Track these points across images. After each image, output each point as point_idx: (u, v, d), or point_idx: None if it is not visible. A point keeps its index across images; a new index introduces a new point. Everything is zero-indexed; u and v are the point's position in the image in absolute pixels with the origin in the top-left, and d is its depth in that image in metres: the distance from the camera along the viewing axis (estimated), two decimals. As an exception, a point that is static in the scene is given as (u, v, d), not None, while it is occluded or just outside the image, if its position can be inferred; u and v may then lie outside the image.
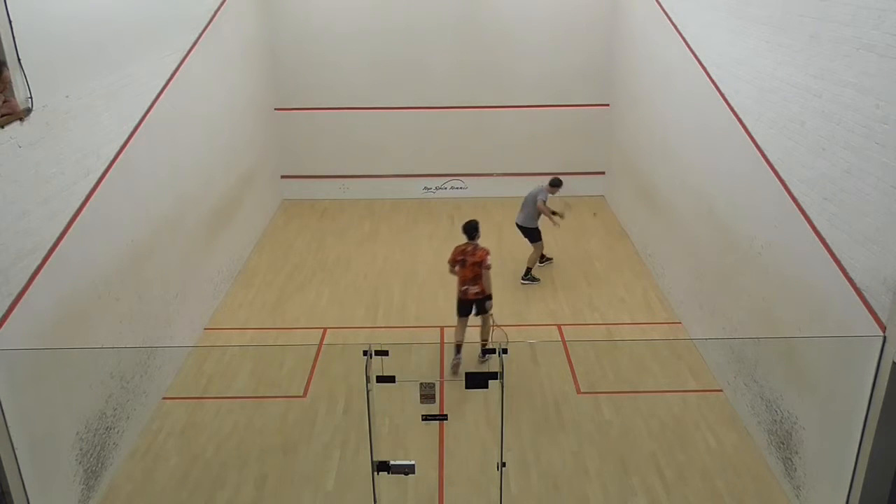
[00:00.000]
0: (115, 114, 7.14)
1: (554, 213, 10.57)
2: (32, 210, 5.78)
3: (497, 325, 8.45)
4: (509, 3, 12.99)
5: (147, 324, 7.79)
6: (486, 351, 8.10)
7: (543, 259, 11.06)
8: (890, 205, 5.22)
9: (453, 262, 8.39)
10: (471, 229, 8.38)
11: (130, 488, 6.80)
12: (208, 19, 9.86)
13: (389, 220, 13.06)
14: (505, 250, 11.53)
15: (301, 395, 8.14)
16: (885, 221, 5.28)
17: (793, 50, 6.57)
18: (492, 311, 8.42)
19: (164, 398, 8.04)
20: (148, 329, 7.82)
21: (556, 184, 10.69)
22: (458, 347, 8.46)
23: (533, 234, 10.75)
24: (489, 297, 8.32)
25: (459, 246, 8.40)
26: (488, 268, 8.24)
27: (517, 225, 10.84)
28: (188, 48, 9.10)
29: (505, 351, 5.59)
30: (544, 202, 10.49)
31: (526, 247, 10.89)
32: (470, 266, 8.24)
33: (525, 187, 10.96)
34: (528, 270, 10.71)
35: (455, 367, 8.42)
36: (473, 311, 8.43)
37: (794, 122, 6.54)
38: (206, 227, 9.72)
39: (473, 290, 8.28)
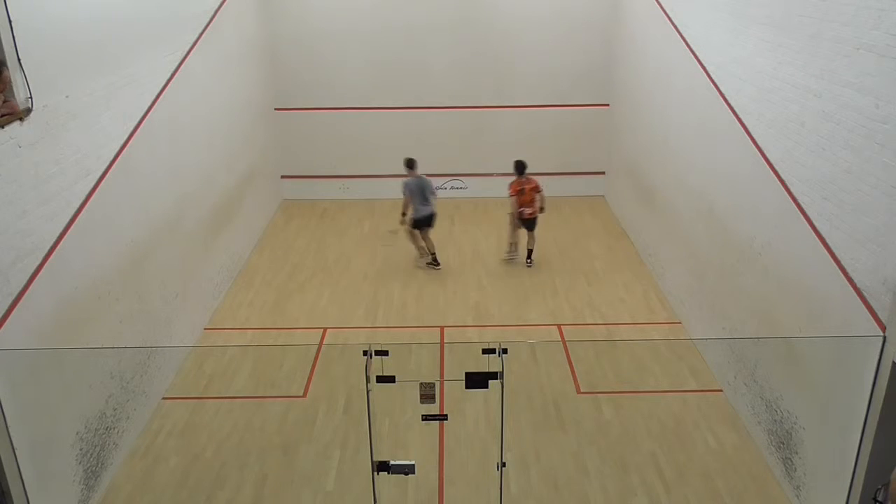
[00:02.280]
0: (115, 114, 7.14)
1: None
2: (32, 210, 5.78)
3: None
4: (509, 3, 12.99)
5: (147, 324, 7.79)
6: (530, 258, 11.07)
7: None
8: (890, 205, 5.22)
9: (515, 191, 10.85)
10: (521, 166, 10.85)
11: (130, 488, 6.80)
12: (208, 19, 9.86)
13: (389, 221, 13.03)
14: (505, 249, 11.53)
15: (301, 395, 8.14)
16: (885, 221, 5.28)
17: (793, 50, 6.57)
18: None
19: (164, 398, 8.04)
20: (148, 329, 7.82)
21: (410, 165, 10.98)
22: (515, 245, 11.19)
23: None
24: (541, 211, 10.92)
25: (515, 180, 10.88)
26: (541, 189, 10.88)
27: (429, 216, 10.94)
28: (188, 48, 9.10)
29: (505, 351, 5.59)
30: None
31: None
32: (528, 192, 10.77)
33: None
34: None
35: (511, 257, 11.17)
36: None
37: (794, 122, 6.54)
38: (207, 227, 9.72)
39: (528, 210, 10.80)
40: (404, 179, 10.90)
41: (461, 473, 6.96)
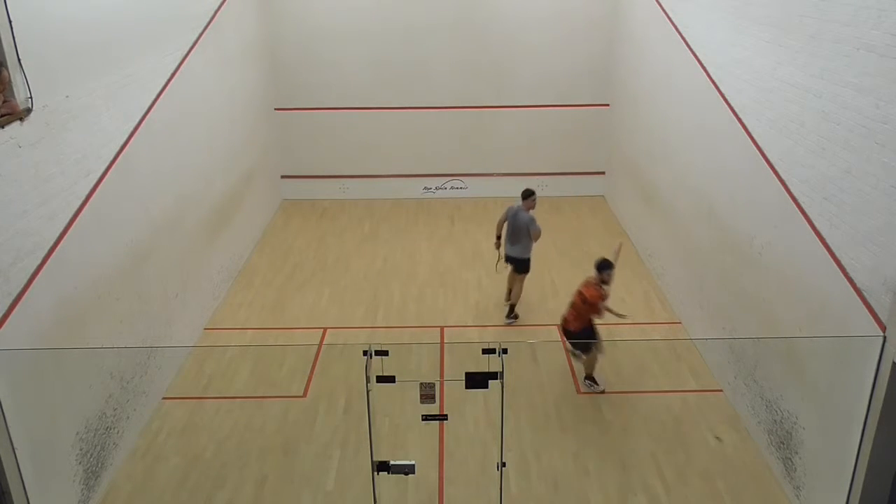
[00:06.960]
0: (115, 114, 7.14)
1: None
2: (32, 210, 5.78)
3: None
4: (509, 3, 12.99)
5: (147, 324, 7.79)
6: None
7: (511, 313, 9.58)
8: (890, 205, 5.22)
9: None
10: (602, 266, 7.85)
11: (130, 488, 6.80)
12: (208, 19, 9.86)
13: (389, 221, 13.05)
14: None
15: (301, 395, 8.14)
16: (885, 221, 5.28)
17: (793, 50, 6.57)
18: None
19: (164, 398, 8.04)
20: (148, 329, 7.82)
21: (528, 195, 9.24)
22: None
23: (524, 265, 9.47)
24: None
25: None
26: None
27: (510, 257, 9.42)
28: (188, 48, 9.10)
29: (505, 351, 5.59)
30: (539, 232, 9.17)
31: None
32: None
33: (524, 187, 10.80)
34: (513, 308, 9.58)
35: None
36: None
37: (794, 122, 6.54)
38: (206, 227, 9.71)
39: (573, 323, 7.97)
40: None
41: (461, 473, 6.96)
